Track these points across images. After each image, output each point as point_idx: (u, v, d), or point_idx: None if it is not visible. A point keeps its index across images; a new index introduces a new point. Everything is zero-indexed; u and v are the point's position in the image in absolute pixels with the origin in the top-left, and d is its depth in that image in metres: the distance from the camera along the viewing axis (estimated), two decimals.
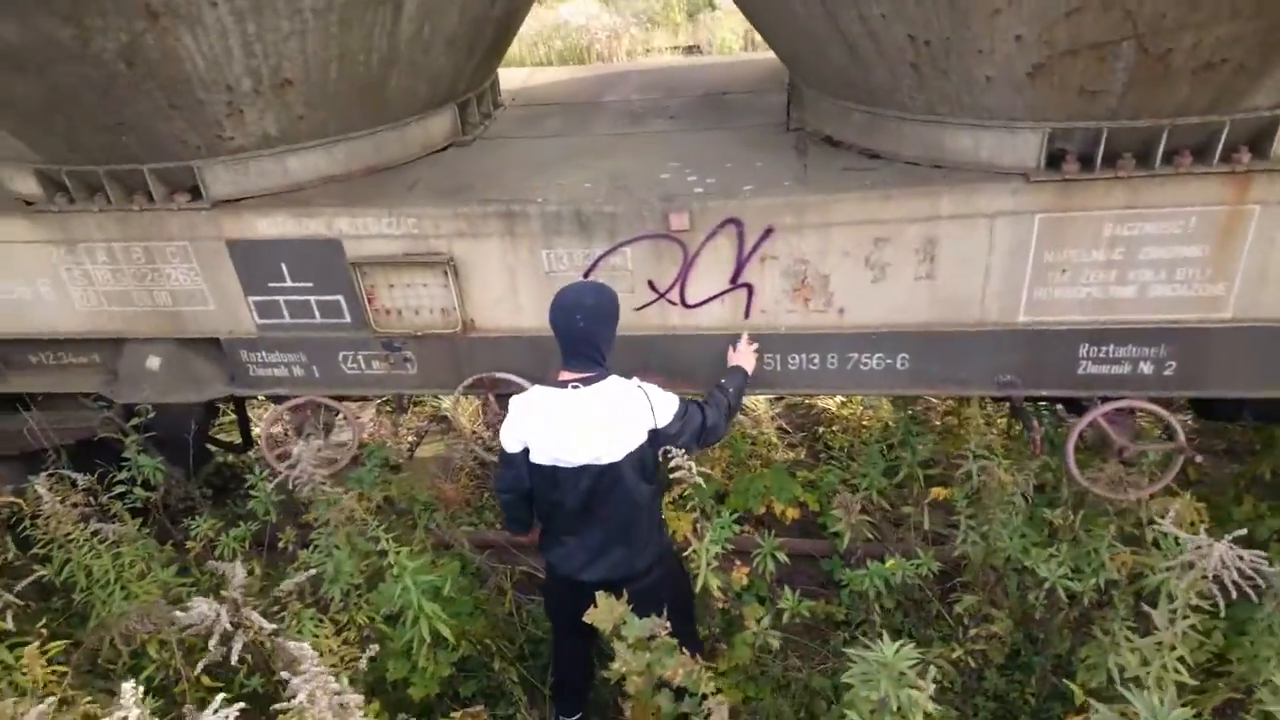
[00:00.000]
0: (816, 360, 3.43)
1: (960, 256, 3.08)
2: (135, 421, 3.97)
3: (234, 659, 2.20)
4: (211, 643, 2.14)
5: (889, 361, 3.37)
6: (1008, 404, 3.74)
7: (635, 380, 2.79)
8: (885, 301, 3.23)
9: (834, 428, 5.72)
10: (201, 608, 2.38)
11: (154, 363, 3.96)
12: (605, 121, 4.22)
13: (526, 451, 2.80)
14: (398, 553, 2.99)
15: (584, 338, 2.72)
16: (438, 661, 3.33)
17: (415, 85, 3.58)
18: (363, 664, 2.67)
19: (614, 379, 2.76)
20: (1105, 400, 3.27)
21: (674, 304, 3.38)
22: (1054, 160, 2.91)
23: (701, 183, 3.29)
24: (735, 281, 3.30)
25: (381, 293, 3.54)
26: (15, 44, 2.64)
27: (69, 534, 3.08)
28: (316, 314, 3.65)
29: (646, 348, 3.48)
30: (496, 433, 4.86)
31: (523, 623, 3.98)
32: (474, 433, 5.73)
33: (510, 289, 3.46)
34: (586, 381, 2.72)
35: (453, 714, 2.89)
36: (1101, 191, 2.88)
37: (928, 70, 2.81)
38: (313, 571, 3.02)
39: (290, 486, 3.18)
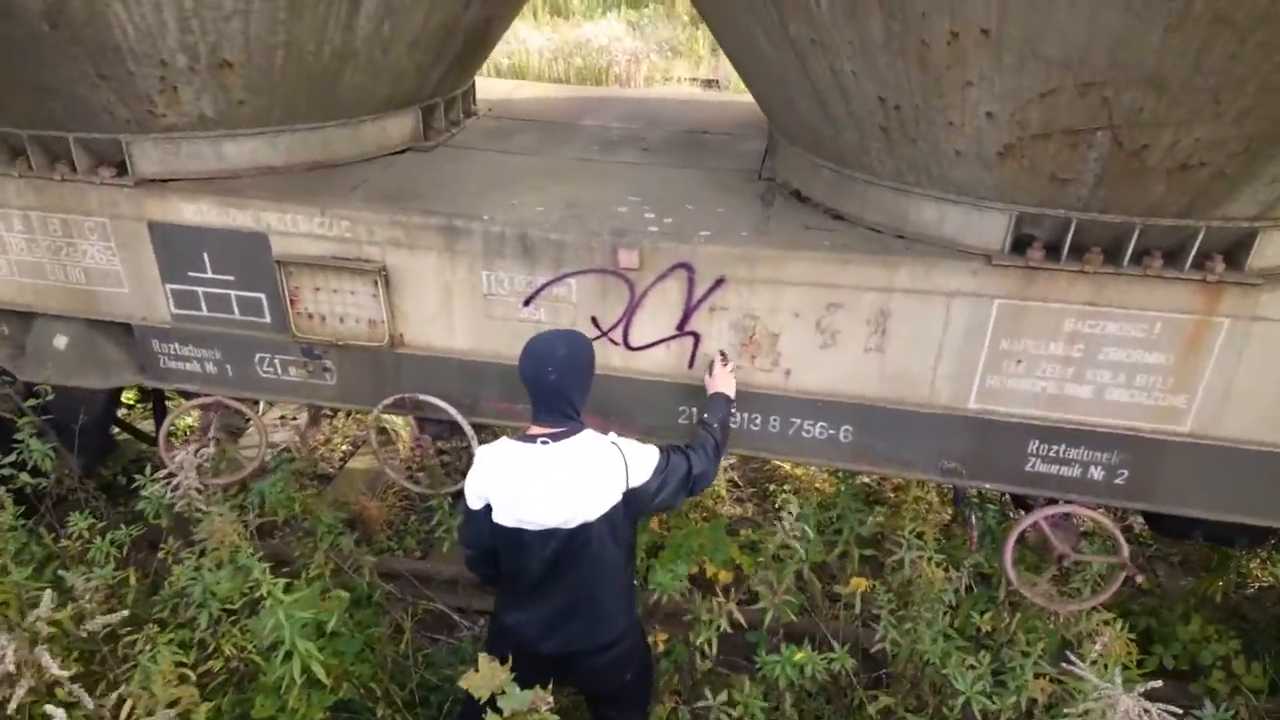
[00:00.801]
0: (758, 421, 3.24)
1: (913, 332, 2.92)
2: (32, 402, 3.70)
3: (11, 707, 1.88)
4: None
5: (832, 432, 3.19)
6: (952, 491, 3.56)
7: (611, 435, 2.57)
8: (833, 369, 3.05)
9: (785, 486, 5.53)
10: None
11: (61, 341, 3.71)
12: (577, 145, 4.06)
13: (488, 509, 2.55)
14: (274, 582, 2.74)
15: (555, 391, 2.50)
16: (310, 704, 3.06)
17: (372, 84, 3.39)
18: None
19: (587, 434, 2.53)
20: (1050, 502, 3.10)
21: (616, 344, 3.19)
22: (1020, 245, 2.76)
23: (658, 221, 3.12)
24: (682, 328, 3.11)
25: (306, 295, 3.32)
26: None
27: None
28: (236, 310, 3.43)
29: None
30: (422, 458, 4.64)
31: (417, 666, 3.72)
32: (403, 459, 5.50)
33: (445, 308, 3.26)
34: (556, 437, 2.49)
35: None
36: (1065, 283, 2.73)
37: (897, 135, 2.66)
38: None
39: (166, 498, 2.93)
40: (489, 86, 5.32)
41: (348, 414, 6.30)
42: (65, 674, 2.19)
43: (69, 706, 2.15)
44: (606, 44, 13.12)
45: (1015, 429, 3.02)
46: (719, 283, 2.99)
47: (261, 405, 5.14)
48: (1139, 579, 3.01)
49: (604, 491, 2.50)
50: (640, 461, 2.57)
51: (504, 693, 2.48)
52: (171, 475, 2.95)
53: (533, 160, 3.80)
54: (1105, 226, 2.63)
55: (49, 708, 1.77)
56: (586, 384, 2.60)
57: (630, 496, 2.55)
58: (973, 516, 3.08)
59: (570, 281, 3.10)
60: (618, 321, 3.14)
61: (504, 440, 2.57)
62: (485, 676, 2.53)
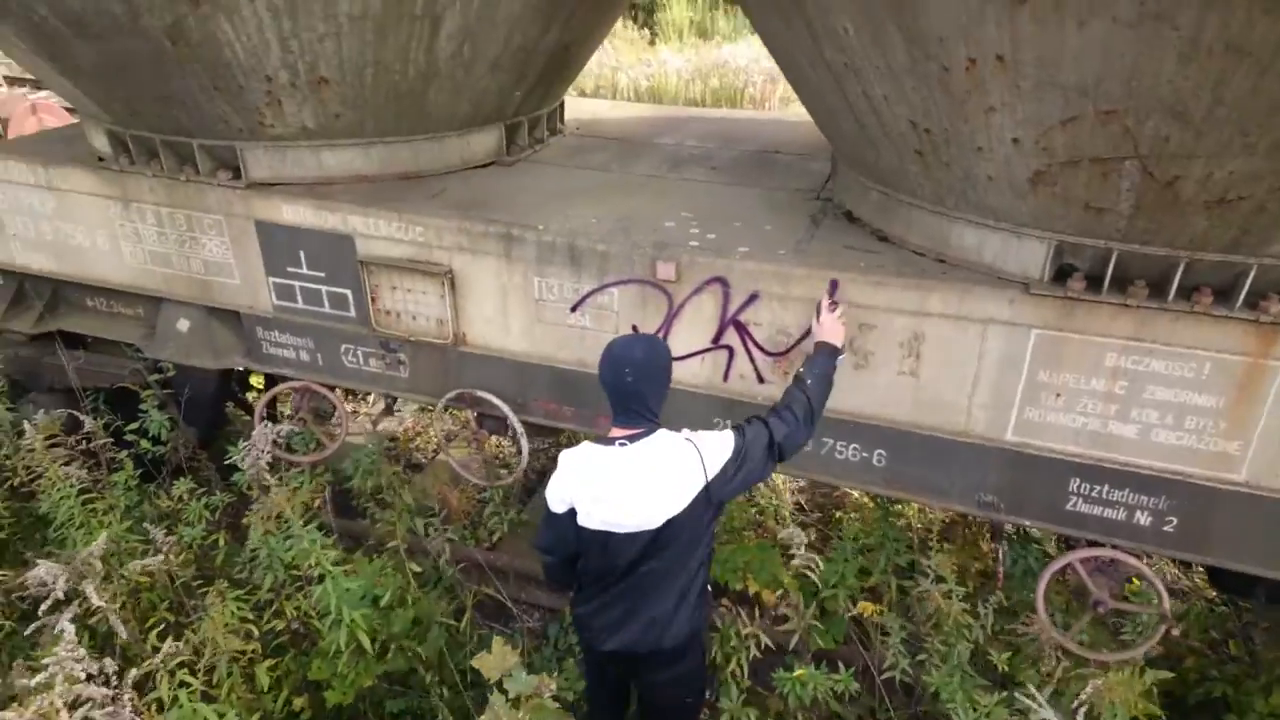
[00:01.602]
0: None
1: (947, 358, 2.89)
2: (155, 377, 4.21)
3: (59, 628, 2.16)
4: (42, 609, 2.18)
5: (865, 455, 3.19)
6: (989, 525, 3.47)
7: (685, 432, 2.57)
8: (866, 391, 3.06)
9: (852, 514, 5.46)
10: (40, 571, 2.44)
11: (184, 325, 4.20)
12: (648, 162, 4.23)
13: (573, 513, 2.58)
14: (325, 554, 3.03)
15: (633, 394, 2.51)
16: (359, 670, 3.33)
17: (455, 101, 3.69)
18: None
19: (662, 433, 2.55)
20: (1091, 545, 2.98)
21: None
22: (1061, 275, 2.70)
23: (701, 236, 3.24)
24: (717, 341, 3.21)
25: (384, 294, 3.64)
26: (77, 12, 2.89)
27: (45, 471, 3.27)
28: (326, 304, 3.79)
29: None
30: (483, 454, 4.87)
31: (475, 648, 3.94)
32: (481, 451, 5.79)
33: (501, 310, 3.49)
34: (634, 438, 2.52)
35: None
36: (1107, 317, 2.65)
37: (931, 159, 2.67)
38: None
39: (244, 470, 3.27)
40: (586, 106, 5.60)
41: (446, 408, 6.72)
42: (106, 605, 2.52)
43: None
44: (744, 65, 13.21)
45: (1055, 465, 2.92)
46: (753, 298, 3.07)
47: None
48: (1175, 630, 2.83)
49: (684, 488, 2.50)
50: (715, 451, 2.55)
51: (511, 675, 2.66)
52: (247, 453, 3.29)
53: (602, 176, 4.00)
54: (1149, 259, 2.54)
55: (64, 624, 2.05)
56: (663, 387, 2.60)
57: (711, 487, 2.52)
58: (1000, 552, 2.99)
59: (613, 290, 3.26)
60: (656, 331, 3.26)
61: (585, 444, 2.60)
62: (496, 657, 2.71)
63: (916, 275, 2.87)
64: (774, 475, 5.48)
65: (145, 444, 4.16)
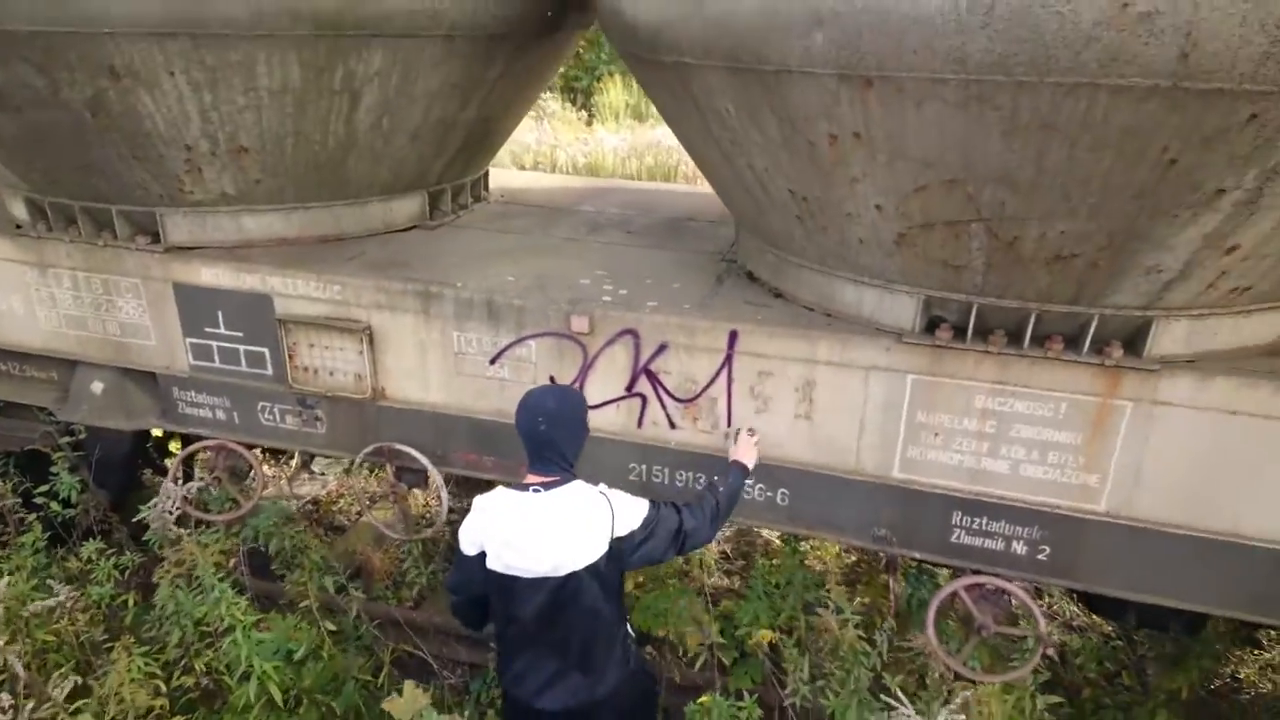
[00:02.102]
0: (701, 480, 3.45)
1: (836, 402, 3.12)
2: (66, 440, 4.16)
3: None
4: None
5: (770, 494, 3.37)
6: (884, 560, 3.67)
7: (600, 486, 2.66)
8: (768, 434, 3.26)
9: (773, 561, 5.62)
10: None
11: (97, 386, 4.19)
12: (567, 227, 4.44)
13: (483, 555, 2.63)
14: (238, 605, 3.04)
15: (546, 442, 2.60)
16: None
17: (375, 169, 3.85)
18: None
19: (577, 484, 2.62)
20: (977, 573, 3.19)
21: None
22: (932, 325, 2.97)
23: (613, 293, 3.43)
24: (630, 389, 3.38)
25: (302, 351, 3.72)
26: None
27: None
28: (243, 362, 3.85)
29: None
30: (400, 506, 4.91)
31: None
32: (404, 507, 5.81)
33: (420, 364, 3.61)
34: (548, 485, 2.59)
35: None
36: (972, 363, 2.92)
37: (810, 224, 2.93)
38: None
39: (149, 524, 3.28)
40: (514, 177, 5.83)
41: (371, 471, 6.69)
42: (13, 653, 2.50)
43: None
44: (676, 145, 13.79)
45: (938, 500, 3.15)
46: (661, 348, 3.26)
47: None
48: (1049, 650, 3.05)
49: (591, 540, 2.56)
50: (627, 512, 2.63)
51: (423, 717, 2.71)
52: (151, 507, 3.30)
53: (522, 239, 4.19)
54: (1005, 311, 2.82)
55: None
56: (578, 436, 2.68)
57: (616, 545, 2.60)
58: (891, 582, 3.19)
59: (531, 343, 3.41)
60: (572, 381, 3.42)
61: (499, 489, 2.66)
62: (407, 700, 2.77)
63: (804, 326, 3.11)
64: None
65: (55, 507, 4.09)
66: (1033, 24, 1.96)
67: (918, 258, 2.76)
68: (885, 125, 2.35)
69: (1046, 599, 5.09)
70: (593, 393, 3.42)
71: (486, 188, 4.97)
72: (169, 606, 3.21)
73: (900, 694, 2.16)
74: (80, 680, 2.87)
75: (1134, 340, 2.80)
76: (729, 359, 3.18)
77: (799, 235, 3.08)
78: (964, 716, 2.24)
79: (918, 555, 3.29)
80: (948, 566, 3.30)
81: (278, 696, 3.14)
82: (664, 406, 3.35)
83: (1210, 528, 2.90)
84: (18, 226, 3.98)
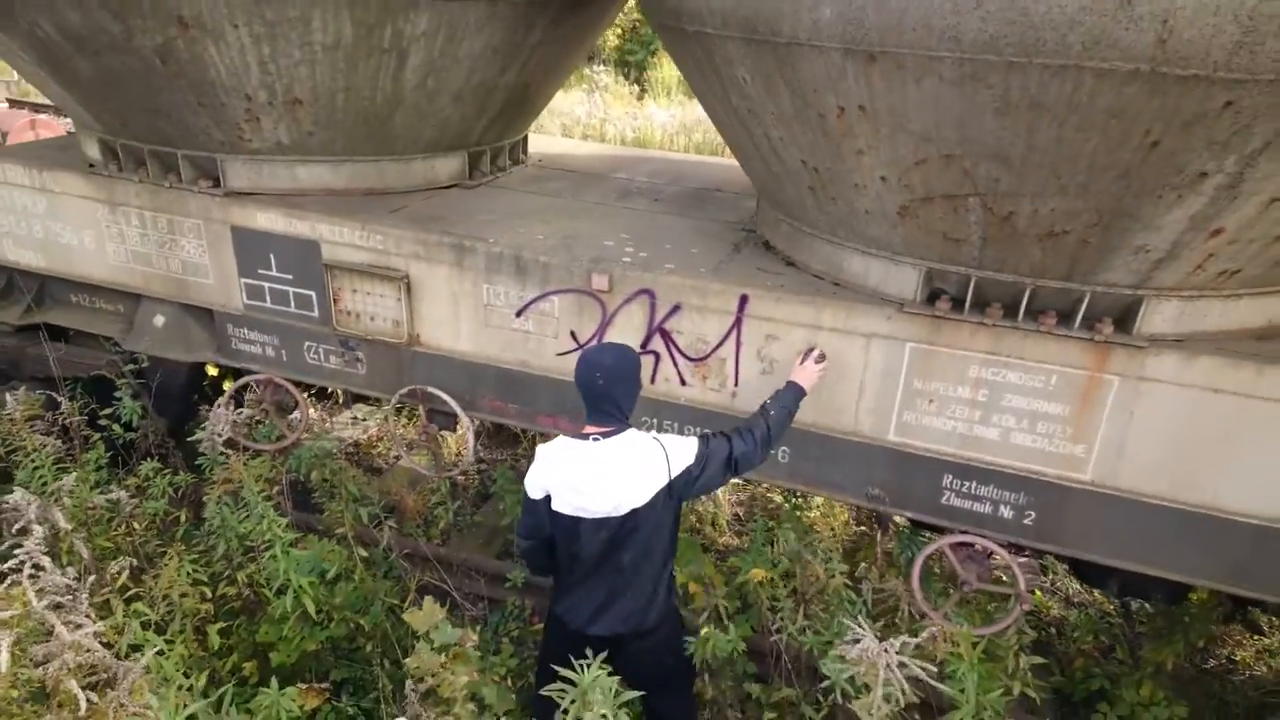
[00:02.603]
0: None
1: (838, 366, 3.29)
2: (129, 368, 4.52)
3: (29, 525, 2.43)
4: (36, 529, 2.47)
5: (772, 452, 3.56)
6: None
7: (652, 433, 2.86)
8: (771, 394, 3.44)
9: (784, 524, 5.82)
10: (15, 497, 2.76)
11: (159, 320, 4.53)
12: (598, 192, 4.64)
13: (549, 499, 2.83)
14: (280, 523, 3.34)
15: (604, 395, 2.77)
16: (304, 635, 3.61)
17: (420, 127, 4.09)
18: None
19: (632, 432, 2.80)
20: (964, 534, 3.36)
21: None
22: (933, 297, 3.11)
23: (634, 254, 3.63)
24: (644, 347, 3.58)
25: (346, 295, 3.99)
26: (77, 29, 3.27)
27: (23, 444, 3.58)
28: (292, 304, 4.14)
29: (562, 391, 3.79)
30: (432, 447, 5.18)
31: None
32: (447, 460, 6.13)
33: (453, 314, 3.86)
34: (606, 435, 2.76)
35: (299, 685, 3.17)
36: (968, 333, 3.06)
37: (821, 195, 3.09)
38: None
39: (200, 447, 3.59)
40: (553, 143, 6.04)
41: (409, 418, 7.04)
42: (69, 527, 2.83)
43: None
44: None
45: (930, 463, 3.31)
46: (675, 309, 3.46)
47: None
48: (1024, 606, 3.21)
49: (648, 482, 2.74)
50: (680, 452, 2.81)
51: (438, 628, 2.98)
52: (203, 428, 3.61)
53: (554, 201, 4.40)
54: (1002, 285, 2.96)
55: (33, 525, 2.36)
56: (632, 390, 2.85)
57: (673, 484, 2.78)
58: (879, 534, 3.36)
59: (553, 299, 3.64)
60: (592, 336, 3.64)
61: (561, 438, 2.85)
62: (426, 614, 3.03)
63: (811, 293, 3.27)
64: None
65: (117, 429, 4.45)
66: (1022, 7, 2.09)
67: (919, 229, 2.91)
68: (888, 100, 2.49)
69: (1050, 575, 5.23)
70: None
71: (525, 151, 5.18)
72: (215, 521, 3.53)
73: (865, 623, 2.34)
74: (134, 564, 3.18)
75: (1125, 318, 2.92)
76: (739, 321, 3.37)
77: (810, 205, 3.24)
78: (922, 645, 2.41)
79: (909, 515, 3.47)
80: (937, 527, 3.46)
81: (311, 609, 3.44)
82: (675, 364, 3.55)
83: (1191, 500, 3.02)
84: (91, 165, 4.30)
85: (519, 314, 3.73)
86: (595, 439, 2.77)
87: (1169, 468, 3.01)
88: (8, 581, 2.23)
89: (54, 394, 4.28)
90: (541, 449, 2.86)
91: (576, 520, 2.78)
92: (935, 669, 2.30)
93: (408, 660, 2.83)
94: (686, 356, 3.53)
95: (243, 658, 3.66)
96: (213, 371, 4.84)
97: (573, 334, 3.68)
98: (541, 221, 4.01)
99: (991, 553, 3.36)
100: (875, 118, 2.58)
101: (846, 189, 2.96)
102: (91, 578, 2.62)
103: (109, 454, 4.37)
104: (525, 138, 5.18)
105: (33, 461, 3.57)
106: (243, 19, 3.23)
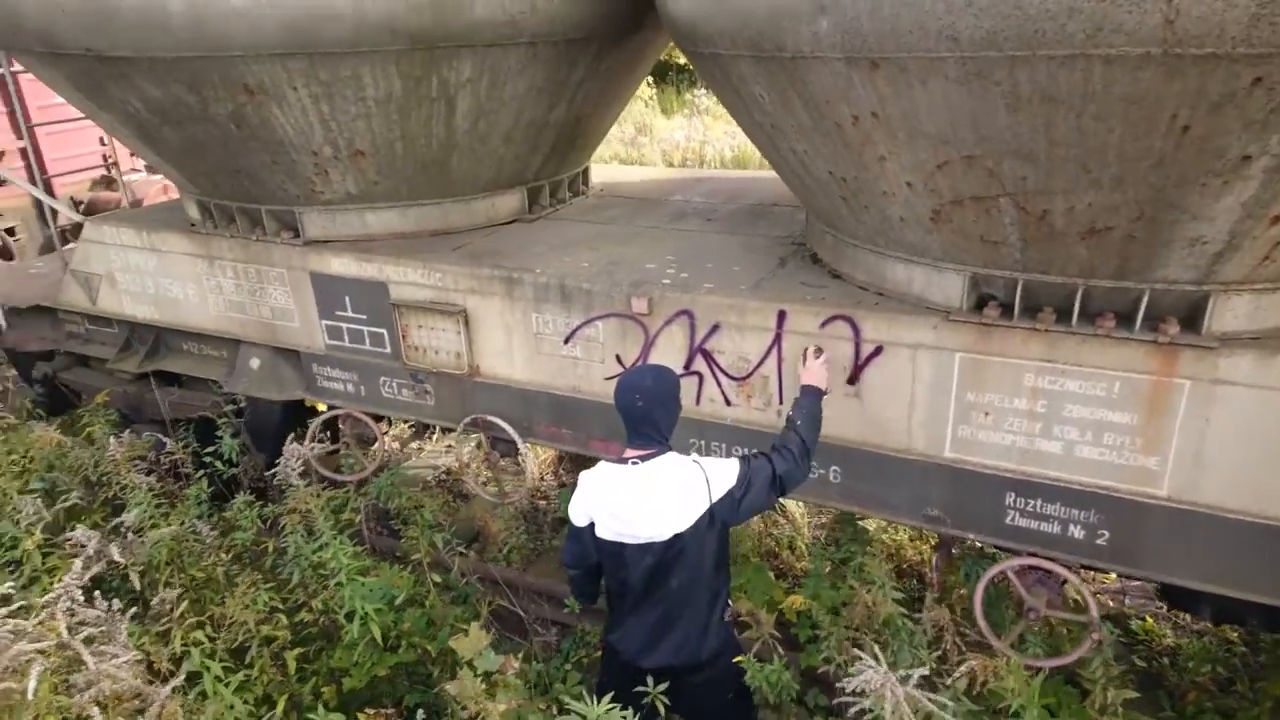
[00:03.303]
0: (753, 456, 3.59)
1: (885, 380, 3.18)
2: (230, 408, 4.89)
3: (84, 580, 2.67)
4: (76, 563, 2.71)
5: (822, 471, 3.47)
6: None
7: (693, 455, 2.84)
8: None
9: (869, 548, 5.62)
10: (78, 534, 3.02)
11: (255, 363, 4.88)
12: (652, 216, 4.70)
13: (593, 526, 2.83)
14: (345, 549, 3.52)
15: (643, 417, 2.77)
16: (373, 660, 3.77)
17: (476, 168, 4.27)
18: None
19: (671, 455, 2.78)
20: (1032, 555, 3.15)
21: None
22: (981, 303, 2.97)
23: (675, 276, 3.65)
24: (688, 368, 3.58)
25: (413, 331, 4.19)
26: (160, 103, 3.63)
27: (125, 481, 3.94)
28: (367, 342, 4.38)
29: (613, 415, 3.81)
30: (493, 472, 5.31)
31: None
32: (528, 488, 6.28)
33: (507, 344, 3.98)
34: (645, 458, 2.75)
35: (366, 710, 3.32)
36: (1020, 340, 2.90)
37: (854, 204, 3.02)
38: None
39: (275, 478, 3.83)
40: (619, 172, 6.17)
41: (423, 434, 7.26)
42: (125, 561, 3.08)
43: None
44: None
45: (991, 480, 3.14)
46: (715, 328, 3.44)
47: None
48: (1096, 637, 2.96)
49: (689, 505, 2.71)
50: (721, 475, 2.76)
51: (481, 655, 3.05)
52: (276, 462, 3.85)
53: (605, 228, 4.49)
54: (1051, 287, 2.80)
55: (76, 563, 2.60)
56: (671, 411, 2.83)
57: (716, 508, 2.75)
58: (935, 560, 3.20)
59: (598, 324, 3.70)
60: (636, 359, 3.67)
61: (602, 463, 2.85)
62: (472, 640, 3.12)
63: (852, 306, 3.19)
64: (794, 509, 5.73)
65: (220, 465, 4.81)
66: (1015, 0, 2.01)
67: (956, 234, 2.79)
68: (898, 105, 2.43)
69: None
70: None
71: (587, 182, 5.31)
72: (289, 550, 3.75)
73: (920, 653, 2.22)
74: (190, 593, 3.44)
75: (1193, 317, 2.70)
76: (778, 338, 3.32)
77: (846, 215, 3.17)
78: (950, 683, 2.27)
79: (972, 536, 3.29)
80: (1005, 550, 3.26)
81: (378, 636, 3.59)
82: (719, 384, 3.52)
83: None
84: (191, 225, 4.72)
85: (567, 341, 3.81)
86: (634, 462, 2.76)
87: (1254, 479, 2.73)
88: (45, 614, 2.46)
89: (162, 436, 4.67)
90: (584, 475, 2.87)
91: (620, 546, 2.76)
92: (960, 703, 2.16)
93: (447, 686, 2.91)
94: (729, 376, 3.51)
95: (322, 682, 3.86)
96: (322, 407, 5.14)
97: (618, 358, 3.73)
98: (590, 249, 4.09)
99: (1065, 579, 3.14)
100: (889, 123, 2.51)
101: (876, 197, 2.88)
102: (134, 609, 2.83)
103: (210, 489, 4.73)
104: (586, 169, 5.30)
105: (134, 499, 3.91)
106: (300, 81, 3.49)
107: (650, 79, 15.90)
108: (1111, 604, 4.94)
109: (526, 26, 3.63)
